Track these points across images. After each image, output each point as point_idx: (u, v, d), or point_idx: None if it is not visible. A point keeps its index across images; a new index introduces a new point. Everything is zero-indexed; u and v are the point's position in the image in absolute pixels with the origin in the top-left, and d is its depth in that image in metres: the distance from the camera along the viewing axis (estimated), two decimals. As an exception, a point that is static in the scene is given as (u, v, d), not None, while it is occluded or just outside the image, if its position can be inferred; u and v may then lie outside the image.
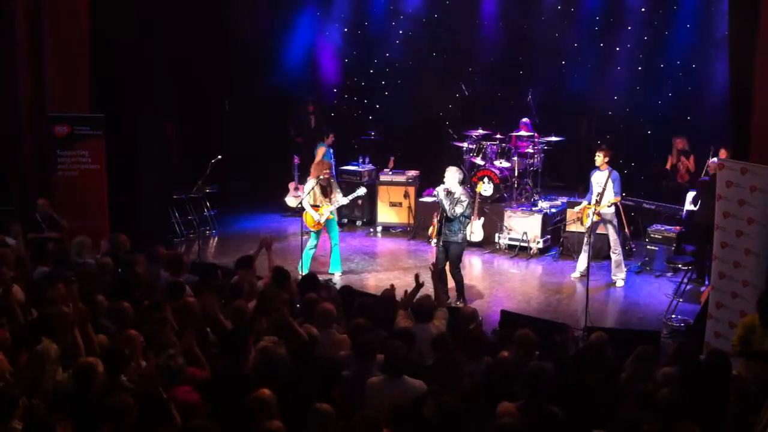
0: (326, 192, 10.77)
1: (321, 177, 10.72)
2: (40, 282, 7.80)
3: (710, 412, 5.67)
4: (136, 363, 5.90)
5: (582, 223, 11.13)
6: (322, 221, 10.74)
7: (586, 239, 10.78)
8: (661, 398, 5.30)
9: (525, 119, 13.70)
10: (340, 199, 10.83)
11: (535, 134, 13.46)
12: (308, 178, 11.01)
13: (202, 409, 5.30)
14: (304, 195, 10.89)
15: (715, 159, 11.08)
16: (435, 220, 10.21)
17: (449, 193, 9.83)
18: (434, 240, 10.28)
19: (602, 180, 10.71)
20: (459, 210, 9.74)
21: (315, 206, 10.77)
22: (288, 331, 6.33)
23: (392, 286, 8.20)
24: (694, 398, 5.63)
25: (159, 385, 5.27)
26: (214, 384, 5.74)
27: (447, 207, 9.77)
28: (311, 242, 10.92)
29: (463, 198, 9.81)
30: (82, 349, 5.98)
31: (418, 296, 7.56)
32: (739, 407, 5.83)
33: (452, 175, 9.84)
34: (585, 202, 11.06)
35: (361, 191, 11.18)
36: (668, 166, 13.15)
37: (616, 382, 6.15)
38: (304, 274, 9.73)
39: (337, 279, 10.88)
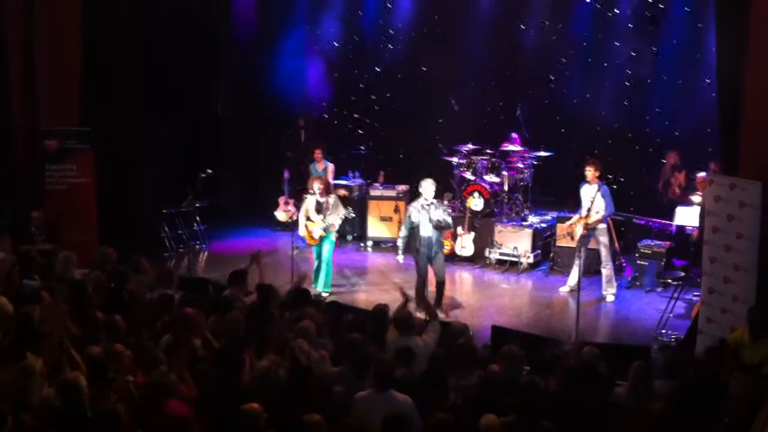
0: (320, 208, 10.73)
1: (312, 192, 10.72)
2: (27, 295, 7.75)
3: (702, 428, 5.66)
4: (124, 378, 5.86)
5: (572, 238, 11.14)
6: (315, 236, 10.72)
7: (576, 254, 10.82)
8: (655, 413, 5.30)
9: (514, 134, 13.75)
10: (328, 219, 10.64)
11: (524, 149, 13.50)
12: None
13: (194, 423, 5.26)
14: (301, 210, 10.97)
15: (702, 173, 11.11)
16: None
17: (431, 206, 10.03)
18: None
19: (591, 193, 10.74)
20: (448, 217, 10.18)
21: (311, 221, 10.77)
22: (289, 354, 6.30)
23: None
24: (686, 413, 5.63)
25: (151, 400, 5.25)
26: (206, 399, 5.70)
27: (440, 218, 9.94)
28: (314, 254, 11.00)
29: (441, 206, 10.24)
30: (66, 364, 5.94)
31: (399, 310, 7.58)
32: (730, 423, 5.83)
33: (428, 187, 10.10)
34: (576, 216, 11.09)
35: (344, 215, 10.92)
36: (660, 184, 13.17)
37: (610, 397, 6.14)
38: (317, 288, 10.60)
39: (326, 296, 10.80)
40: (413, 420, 5.36)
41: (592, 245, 11.09)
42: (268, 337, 6.54)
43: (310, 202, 10.76)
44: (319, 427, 5.09)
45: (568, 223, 11.26)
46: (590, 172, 10.80)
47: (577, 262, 10.65)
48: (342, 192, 11.93)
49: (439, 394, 5.85)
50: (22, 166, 11.43)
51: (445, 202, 12.27)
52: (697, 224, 10.80)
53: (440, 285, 10.24)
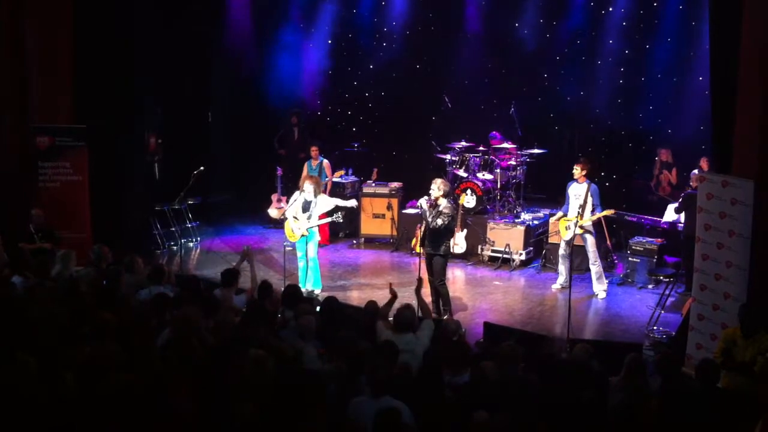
0: (307, 207, 10.57)
1: (303, 191, 10.57)
2: (19, 293, 7.72)
3: (694, 425, 5.68)
4: (117, 376, 5.84)
5: (561, 235, 11.16)
6: (297, 234, 10.58)
7: (563, 251, 10.86)
8: (648, 410, 5.32)
9: (493, 132, 13.75)
10: (311, 220, 10.50)
11: (510, 143, 13.43)
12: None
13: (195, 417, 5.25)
14: (288, 205, 10.84)
15: (696, 171, 11.15)
16: (418, 232, 10.16)
17: (433, 205, 9.77)
18: (420, 251, 10.17)
19: (580, 192, 10.74)
20: (440, 222, 9.58)
21: (296, 218, 10.64)
22: (272, 350, 6.28)
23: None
24: (679, 410, 5.65)
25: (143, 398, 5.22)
26: (197, 396, 5.69)
27: (429, 218, 9.70)
28: (298, 253, 10.85)
29: (446, 211, 9.67)
30: (58, 362, 5.91)
31: (396, 307, 7.55)
32: (722, 420, 5.85)
33: (437, 187, 9.76)
34: (560, 213, 11.11)
35: (343, 208, 10.89)
36: (653, 181, 13.20)
37: (603, 394, 6.14)
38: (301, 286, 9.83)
39: (318, 293, 10.72)
40: (407, 424, 5.33)
41: (578, 242, 11.05)
42: (256, 335, 6.53)
43: (298, 200, 10.60)
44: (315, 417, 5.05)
45: (553, 219, 11.32)
46: (578, 170, 10.82)
47: (565, 260, 10.68)
48: (344, 203, 11.53)
49: (434, 392, 5.83)
50: (12, 164, 11.36)
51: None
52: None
53: (433, 288, 9.96)
